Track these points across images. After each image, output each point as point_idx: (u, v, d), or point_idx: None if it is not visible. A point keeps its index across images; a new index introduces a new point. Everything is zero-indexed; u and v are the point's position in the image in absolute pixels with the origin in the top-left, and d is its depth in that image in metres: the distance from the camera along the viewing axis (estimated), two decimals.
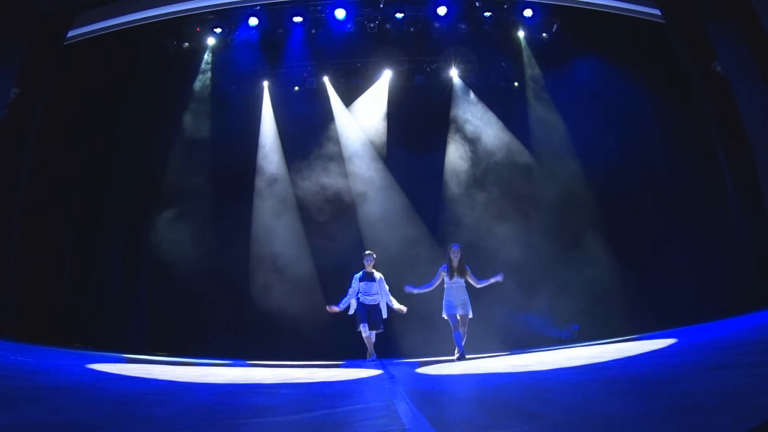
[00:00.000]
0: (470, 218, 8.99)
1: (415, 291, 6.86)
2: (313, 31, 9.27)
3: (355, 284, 7.06)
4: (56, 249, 8.08)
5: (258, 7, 8.87)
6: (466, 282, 6.75)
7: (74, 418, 2.36)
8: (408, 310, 7.12)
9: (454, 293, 6.65)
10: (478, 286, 6.80)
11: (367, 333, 6.89)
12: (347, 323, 7.21)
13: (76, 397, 3.02)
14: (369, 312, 6.97)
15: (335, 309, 7.04)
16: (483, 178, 9.24)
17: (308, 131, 9.56)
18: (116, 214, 9.13)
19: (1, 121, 6.32)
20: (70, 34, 7.55)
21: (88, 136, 8.71)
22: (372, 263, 7.15)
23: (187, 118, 9.39)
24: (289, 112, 9.64)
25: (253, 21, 9.02)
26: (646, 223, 8.40)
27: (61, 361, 5.06)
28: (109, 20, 8.04)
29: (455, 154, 9.48)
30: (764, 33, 5.74)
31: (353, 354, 7.38)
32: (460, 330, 6.59)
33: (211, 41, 9.46)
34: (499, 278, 6.75)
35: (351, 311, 7.04)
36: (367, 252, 7.27)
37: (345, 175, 9.43)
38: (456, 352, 6.53)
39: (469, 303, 6.67)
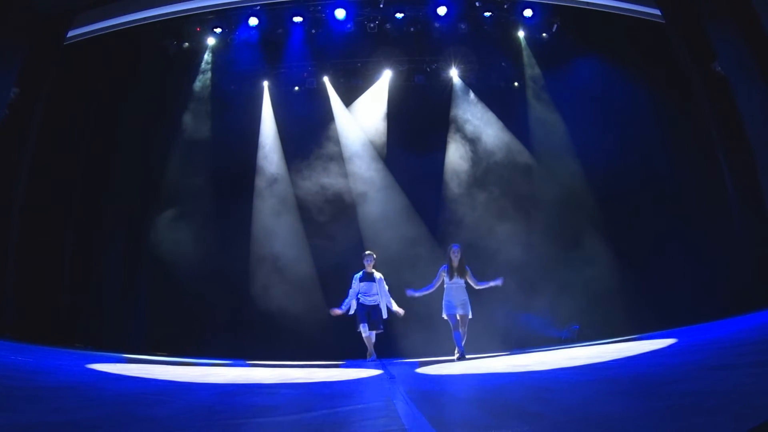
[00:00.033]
0: (470, 218, 8.99)
1: (417, 294, 6.85)
2: (313, 31, 9.27)
3: (356, 285, 7.06)
4: (56, 249, 8.09)
5: (258, 7, 8.87)
6: (466, 282, 6.75)
7: (74, 418, 2.36)
8: (408, 310, 7.13)
9: (454, 293, 6.65)
10: (477, 288, 6.79)
11: (366, 333, 6.90)
12: (347, 323, 7.22)
13: (76, 397, 3.02)
14: (369, 312, 6.98)
15: (338, 312, 7.04)
16: (483, 178, 9.24)
17: (308, 131, 9.56)
18: (116, 214, 9.13)
19: (1, 121, 6.32)
20: (70, 34, 7.55)
21: (88, 136, 8.71)
22: (372, 263, 7.15)
23: (187, 118, 9.39)
24: (289, 112, 9.64)
25: (253, 21, 9.02)
26: (646, 223, 8.40)
27: (61, 361, 5.06)
28: (109, 20, 8.05)
29: (455, 154, 9.49)
30: (764, 33, 5.74)
31: (353, 354, 7.38)
32: (460, 330, 6.59)
33: (211, 41, 9.46)
34: (498, 282, 6.74)
35: (351, 312, 7.04)
36: (367, 252, 7.27)
37: (345, 175, 9.43)
38: (456, 352, 6.53)
39: (468, 303, 6.67)
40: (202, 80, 9.55)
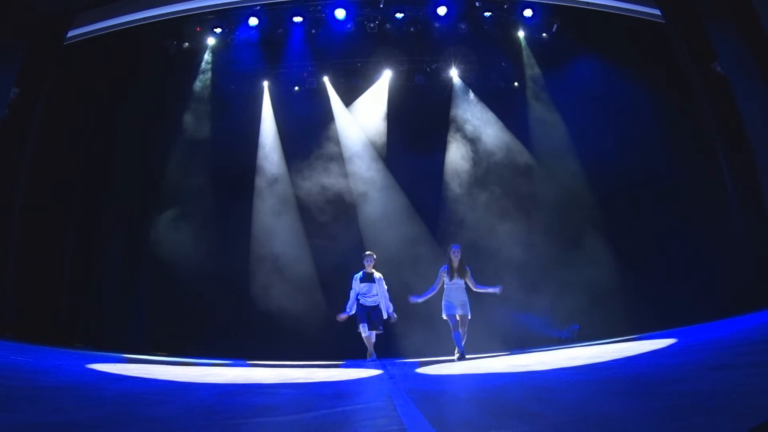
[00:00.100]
0: (471, 218, 8.99)
1: (420, 300, 6.82)
2: (313, 31, 9.27)
3: (356, 285, 7.06)
4: (56, 249, 8.08)
5: (258, 7, 8.87)
6: (465, 283, 6.74)
7: (74, 418, 2.36)
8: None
9: (454, 294, 6.64)
10: (476, 290, 6.78)
11: (366, 333, 6.90)
12: (347, 323, 7.21)
13: (76, 397, 3.02)
14: (369, 313, 6.98)
15: (344, 317, 7.05)
16: (483, 178, 9.24)
17: (308, 131, 9.56)
18: (116, 214, 9.14)
19: (1, 121, 6.32)
20: (70, 34, 7.55)
21: (88, 136, 8.71)
22: (372, 264, 7.14)
23: (187, 118, 9.39)
24: (289, 112, 9.64)
25: (253, 21, 9.02)
26: (646, 223, 8.41)
27: (61, 361, 5.06)
28: (109, 20, 8.04)
29: (455, 154, 9.48)
30: (764, 33, 5.74)
31: (353, 354, 7.38)
32: (460, 330, 6.58)
33: (211, 41, 9.46)
34: (497, 290, 6.72)
35: (353, 312, 7.05)
36: (367, 252, 7.26)
37: (345, 175, 9.43)
38: (456, 352, 6.53)
39: (468, 304, 6.66)
40: (202, 80, 9.55)
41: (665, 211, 8.17)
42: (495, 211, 8.87)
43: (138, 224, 9.10)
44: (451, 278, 6.69)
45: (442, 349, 7.41)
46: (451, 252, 6.75)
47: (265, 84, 9.83)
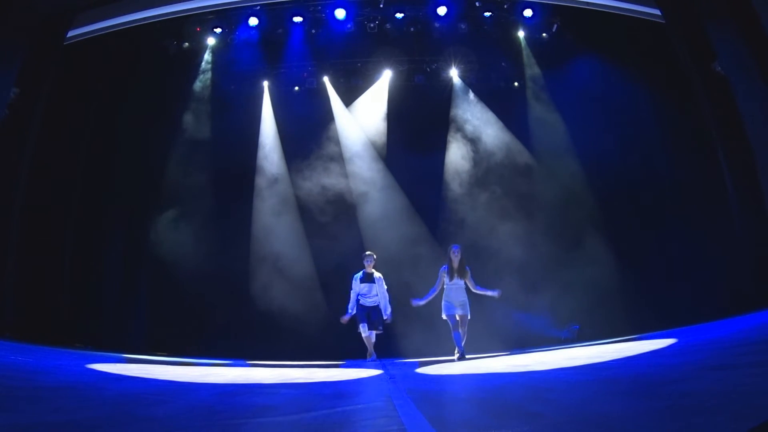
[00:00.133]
0: (471, 218, 8.99)
1: (422, 302, 6.79)
2: (313, 31, 9.27)
3: (356, 286, 7.06)
4: (56, 249, 8.09)
5: (258, 7, 8.87)
6: (465, 283, 6.74)
7: (74, 418, 2.36)
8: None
9: (454, 294, 6.64)
10: (475, 291, 6.77)
11: (366, 333, 6.90)
12: (347, 323, 7.21)
13: (76, 397, 3.02)
14: (369, 313, 6.99)
15: (347, 319, 7.04)
16: (483, 178, 9.24)
17: (308, 131, 9.56)
18: (116, 214, 9.14)
19: (1, 121, 6.32)
20: (70, 34, 7.55)
21: (88, 136, 8.71)
22: (372, 264, 7.14)
23: (187, 118, 9.39)
24: (289, 112, 9.64)
25: (253, 21, 9.02)
26: (646, 223, 8.40)
27: (61, 361, 5.06)
28: (109, 20, 8.04)
29: (455, 154, 9.48)
30: (764, 33, 5.74)
31: (353, 354, 7.38)
32: (460, 330, 6.58)
33: (211, 41, 9.46)
34: (495, 293, 6.70)
35: (354, 311, 7.05)
36: (367, 253, 7.26)
37: (345, 175, 9.43)
38: (456, 352, 6.53)
39: (468, 304, 6.65)
40: (202, 80, 9.55)
41: (665, 211, 8.18)
42: (495, 211, 8.87)
43: (138, 224, 9.10)
44: (451, 278, 6.68)
45: (442, 349, 7.41)
46: (451, 252, 6.75)
47: (265, 84, 9.83)
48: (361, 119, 9.81)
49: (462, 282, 6.69)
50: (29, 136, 6.97)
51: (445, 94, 9.83)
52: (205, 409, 2.82)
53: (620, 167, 8.44)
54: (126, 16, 8.11)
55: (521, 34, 9.55)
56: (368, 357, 6.96)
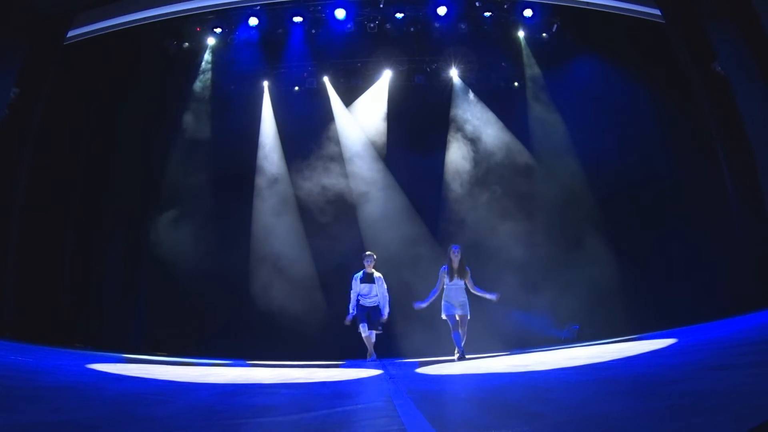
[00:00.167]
0: (471, 218, 8.99)
1: (424, 305, 6.76)
2: (313, 31, 9.27)
3: (356, 286, 7.06)
4: (56, 249, 8.09)
5: (258, 7, 8.87)
6: (465, 283, 6.73)
7: (74, 418, 2.36)
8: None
9: (454, 294, 6.63)
10: (474, 292, 6.77)
11: (366, 333, 6.90)
12: (348, 323, 7.20)
13: (76, 397, 3.02)
14: (369, 313, 6.99)
15: (350, 320, 7.03)
16: (483, 178, 9.24)
17: (308, 131, 9.56)
18: (116, 214, 9.14)
19: (1, 121, 6.32)
20: (70, 34, 7.55)
21: (88, 136, 8.71)
22: (372, 264, 7.14)
23: (187, 118, 9.39)
24: (289, 112, 9.64)
25: (253, 21, 9.02)
26: (646, 223, 8.40)
27: (61, 361, 5.06)
28: (109, 20, 8.04)
29: (455, 154, 9.48)
30: (764, 33, 5.74)
31: (353, 354, 7.38)
32: (460, 330, 6.58)
33: (211, 41, 9.46)
34: (494, 297, 6.69)
35: (355, 312, 7.06)
36: (367, 253, 7.26)
37: (345, 175, 9.43)
38: (456, 352, 6.53)
39: (467, 304, 6.65)
40: (202, 80, 9.55)
41: (665, 211, 8.18)
42: (495, 211, 8.87)
43: (138, 224, 9.10)
44: (451, 278, 6.68)
45: (442, 349, 7.41)
46: (452, 252, 6.74)
47: (265, 84, 9.83)
48: (361, 119, 9.81)
49: (462, 282, 6.68)
50: (29, 136, 6.97)
51: (445, 94, 9.83)
52: (205, 409, 2.82)
53: (620, 167, 8.44)
54: (126, 16, 8.11)
55: (521, 34, 9.55)
56: (368, 357, 6.96)
